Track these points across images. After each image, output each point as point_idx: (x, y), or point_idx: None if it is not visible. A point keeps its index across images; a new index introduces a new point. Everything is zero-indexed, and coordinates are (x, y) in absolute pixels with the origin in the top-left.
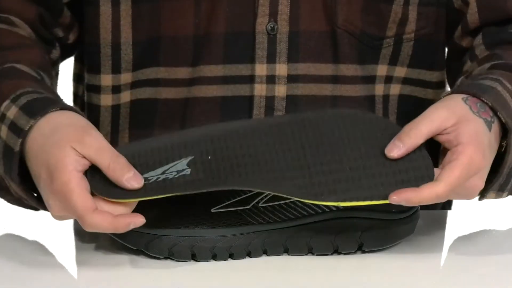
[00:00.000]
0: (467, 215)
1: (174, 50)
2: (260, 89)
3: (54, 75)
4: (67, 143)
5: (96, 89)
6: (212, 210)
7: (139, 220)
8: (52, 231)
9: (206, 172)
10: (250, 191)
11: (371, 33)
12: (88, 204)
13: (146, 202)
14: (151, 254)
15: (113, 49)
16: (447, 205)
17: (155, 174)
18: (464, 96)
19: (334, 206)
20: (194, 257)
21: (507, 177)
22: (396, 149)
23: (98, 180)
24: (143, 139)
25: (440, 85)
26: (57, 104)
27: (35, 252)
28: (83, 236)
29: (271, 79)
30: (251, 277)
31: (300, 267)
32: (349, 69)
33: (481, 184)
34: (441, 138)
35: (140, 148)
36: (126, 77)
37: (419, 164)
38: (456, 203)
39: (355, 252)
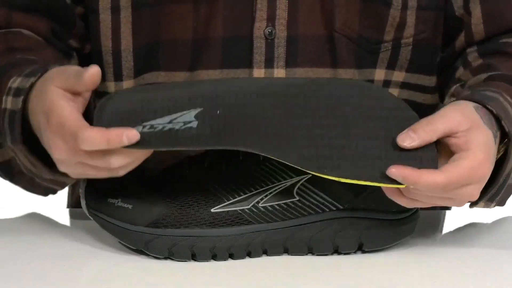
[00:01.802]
0: (466, 215)
1: (173, 55)
2: None
3: None
4: (51, 84)
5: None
6: (212, 210)
7: (132, 133)
8: (51, 230)
9: (212, 127)
10: (251, 191)
11: (369, 37)
12: (81, 122)
13: (147, 202)
14: (151, 254)
15: (114, 56)
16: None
17: (162, 122)
18: (474, 104)
19: (333, 206)
20: (194, 257)
21: (498, 188)
22: (409, 140)
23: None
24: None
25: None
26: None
27: (34, 252)
28: (83, 235)
29: None
30: (251, 277)
31: (300, 267)
32: (347, 74)
33: (476, 195)
34: (450, 141)
35: (150, 94)
36: (128, 85)
37: (425, 155)
38: None
39: (355, 252)
